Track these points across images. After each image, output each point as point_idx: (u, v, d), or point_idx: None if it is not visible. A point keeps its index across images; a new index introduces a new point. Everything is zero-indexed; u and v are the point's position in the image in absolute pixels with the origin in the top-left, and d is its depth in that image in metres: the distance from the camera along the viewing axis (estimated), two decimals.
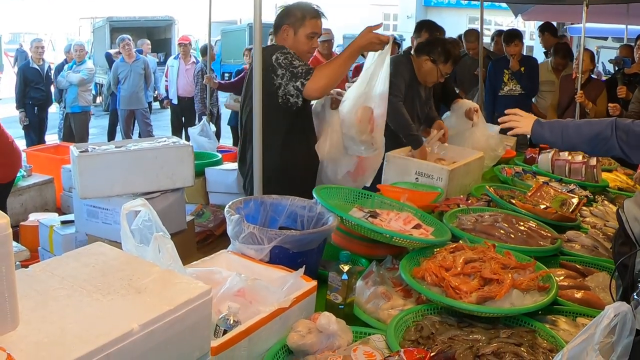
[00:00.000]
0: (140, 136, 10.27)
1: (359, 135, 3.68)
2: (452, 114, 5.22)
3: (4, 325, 1.33)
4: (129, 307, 1.49)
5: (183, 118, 10.65)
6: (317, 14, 3.67)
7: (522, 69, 6.92)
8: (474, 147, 4.68)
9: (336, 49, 9.17)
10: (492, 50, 8.33)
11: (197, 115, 10.39)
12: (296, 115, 3.56)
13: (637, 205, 2.01)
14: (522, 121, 2.78)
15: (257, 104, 3.18)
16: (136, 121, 10.72)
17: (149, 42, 13.03)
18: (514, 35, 7.10)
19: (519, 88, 6.91)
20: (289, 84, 3.37)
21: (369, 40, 3.48)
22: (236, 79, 8.78)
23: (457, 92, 6.08)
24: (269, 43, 9.39)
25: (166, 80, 11.15)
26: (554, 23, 12.64)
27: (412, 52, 4.78)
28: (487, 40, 10.67)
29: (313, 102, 3.87)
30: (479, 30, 7.78)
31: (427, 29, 5.69)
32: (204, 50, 10.07)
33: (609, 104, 6.06)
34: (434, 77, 4.60)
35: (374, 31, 3.51)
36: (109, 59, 12.13)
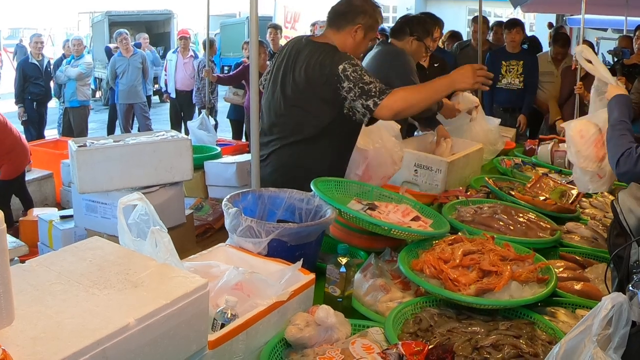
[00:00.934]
0: (139, 130, 10.25)
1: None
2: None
3: None
4: (126, 301, 1.48)
5: (182, 112, 10.65)
6: (382, 21, 3.57)
7: (522, 62, 6.90)
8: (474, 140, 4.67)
9: None
10: (491, 41, 8.30)
11: (196, 109, 10.40)
12: (355, 126, 3.39)
13: (631, 196, 2.01)
14: None
15: (254, 97, 3.16)
16: (135, 115, 10.72)
17: (146, 36, 12.99)
18: (515, 24, 7.10)
19: (518, 82, 6.90)
20: (357, 101, 3.12)
21: (472, 84, 3.22)
22: (235, 72, 8.77)
23: None
24: (267, 37, 9.39)
25: (165, 75, 11.13)
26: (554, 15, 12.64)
27: (389, 39, 4.70)
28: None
29: None
30: (474, 30, 7.75)
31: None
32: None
33: None
34: (422, 54, 4.57)
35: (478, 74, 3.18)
36: (109, 54, 12.13)
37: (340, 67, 3.13)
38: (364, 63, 4.51)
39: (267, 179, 3.29)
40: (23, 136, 6.67)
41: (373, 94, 3.10)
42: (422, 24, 4.50)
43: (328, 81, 3.15)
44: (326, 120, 3.23)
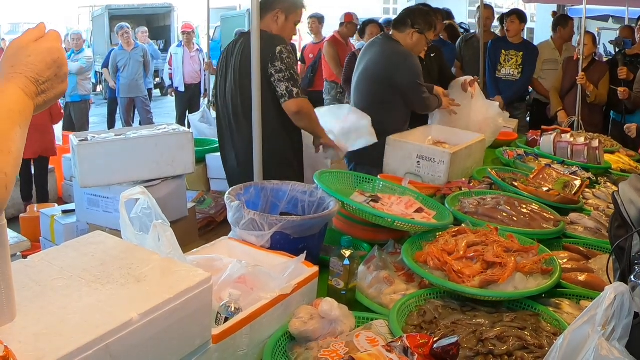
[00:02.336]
0: (140, 124, 10.24)
1: None
2: (451, 90, 5.18)
3: (1, 317, 1.32)
4: (129, 296, 1.48)
5: (190, 105, 10.59)
6: (304, 4, 3.77)
7: (521, 54, 6.88)
8: (474, 119, 4.69)
9: None
10: (498, 34, 8.26)
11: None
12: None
13: (632, 187, 1.99)
14: None
15: (256, 91, 3.15)
16: (136, 109, 10.70)
17: (145, 29, 12.92)
18: (511, 12, 7.11)
19: (517, 73, 6.88)
20: (283, 82, 3.44)
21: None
22: None
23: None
24: None
25: (170, 68, 11.10)
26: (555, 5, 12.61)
27: (391, 30, 4.68)
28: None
29: None
30: (479, 18, 7.72)
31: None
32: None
33: (618, 88, 6.04)
34: (422, 47, 4.57)
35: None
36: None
37: (279, 48, 3.45)
38: (364, 52, 4.63)
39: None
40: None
41: (299, 86, 3.52)
42: (424, 17, 4.48)
43: (262, 57, 3.38)
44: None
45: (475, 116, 4.79)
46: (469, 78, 5.09)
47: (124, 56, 10.32)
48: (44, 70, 1.20)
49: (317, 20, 9.20)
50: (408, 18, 4.49)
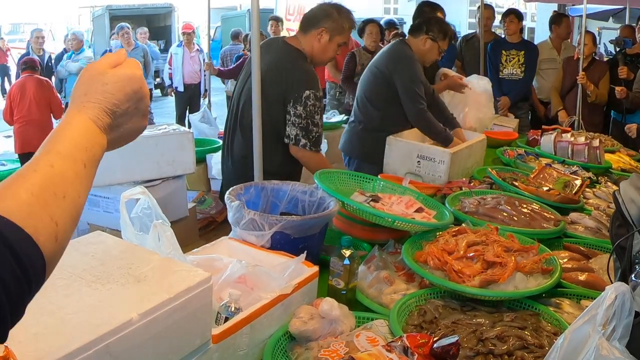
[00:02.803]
0: None
1: None
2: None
3: None
4: (129, 296, 1.48)
5: (189, 106, 10.58)
6: (353, 25, 3.63)
7: (522, 52, 6.89)
8: (469, 107, 4.74)
9: None
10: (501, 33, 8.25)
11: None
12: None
13: (633, 186, 1.99)
14: None
15: (257, 96, 3.15)
16: None
17: (145, 30, 12.86)
18: (509, 12, 7.12)
19: (519, 72, 6.88)
20: (296, 129, 3.36)
21: None
22: (235, 65, 8.75)
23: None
24: (268, 29, 9.38)
25: (170, 68, 11.10)
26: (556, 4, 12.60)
27: (407, 34, 4.73)
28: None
29: None
30: (479, 18, 7.72)
31: (429, 9, 5.68)
32: (235, 35, 10.02)
33: (616, 87, 6.04)
34: (435, 55, 4.57)
35: None
36: None
37: (307, 92, 3.33)
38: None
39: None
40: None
41: (312, 138, 3.39)
42: (439, 25, 4.51)
43: (287, 90, 3.32)
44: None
45: (469, 102, 4.86)
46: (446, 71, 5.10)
47: None
48: (123, 102, 1.04)
49: None
50: (424, 24, 4.53)
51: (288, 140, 3.40)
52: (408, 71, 4.27)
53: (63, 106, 7.35)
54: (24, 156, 6.63)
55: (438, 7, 5.80)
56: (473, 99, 5.06)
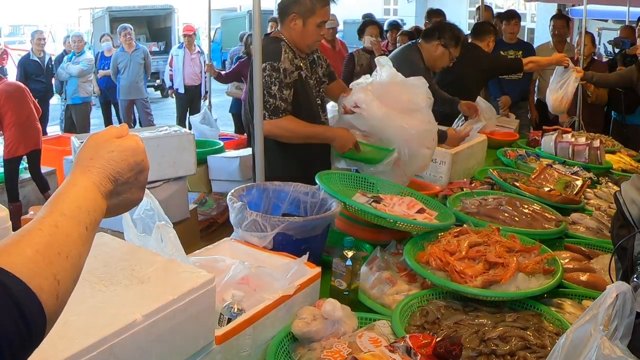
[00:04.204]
0: (140, 126, 10.21)
1: None
2: None
3: None
4: (132, 297, 1.48)
5: (189, 107, 10.57)
6: (326, 1, 3.43)
7: (520, 52, 6.90)
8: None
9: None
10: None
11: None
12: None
13: (634, 187, 2.00)
14: None
15: (258, 94, 3.15)
16: (136, 111, 10.67)
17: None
18: (514, 15, 7.13)
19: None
20: (252, 99, 3.23)
21: (346, 145, 3.31)
22: (232, 68, 8.74)
23: None
24: (268, 30, 9.39)
25: (170, 70, 11.09)
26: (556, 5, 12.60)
27: (419, 39, 4.74)
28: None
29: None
30: (478, 19, 7.73)
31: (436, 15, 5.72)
32: (242, 37, 10.02)
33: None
34: (445, 61, 4.57)
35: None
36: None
37: (264, 64, 3.22)
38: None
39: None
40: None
41: (268, 106, 3.23)
42: (451, 32, 4.52)
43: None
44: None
45: None
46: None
47: (124, 58, 10.28)
48: (125, 171, 1.08)
49: None
50: (436, 30, 4.55)
51: (248, 113, 3.38)
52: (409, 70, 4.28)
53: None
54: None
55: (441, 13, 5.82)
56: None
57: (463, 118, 4.81)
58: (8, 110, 6.48)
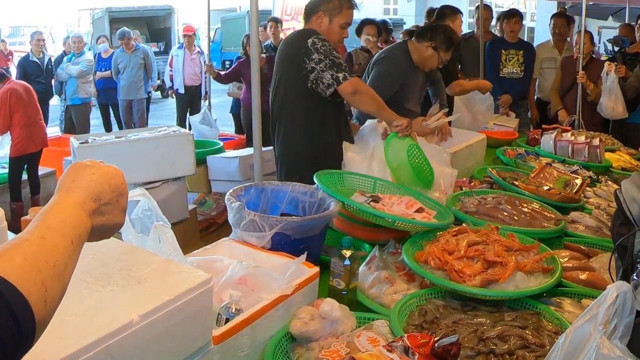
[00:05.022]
0: (134, 127, 10.17)
1: None
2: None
3: None
4: (129, 297, 1.48)
5: (189, 108, 10.55)
6: (352, 4, 3.62)
7: (521, 52, 6.90)
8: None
9: None
10: (496, 33, 8.25)
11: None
12: (318, 102, 3.53)
13: (634, 185, 1.99)
14: None
15: (256, 90, 3.15)
16: (132, 112, 10.61)
17: (138, 33, 12.58)
18: (514, 14, 7.12)
19: (519, 71, 6.89)
20: (325, 71, 3.35)
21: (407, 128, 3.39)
22: (230, 69, 8.72)
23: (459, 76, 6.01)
24: (269, 30, 9.37)
25: (170, 70, 11.07)
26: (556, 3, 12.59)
27: (412, 37, 4.71)
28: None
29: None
30: (478, 18, 7.70)
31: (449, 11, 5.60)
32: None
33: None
34: (434, 63, 4.54)
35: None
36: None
37: (310, 40, 3.36)
38: None
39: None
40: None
41: (344, 68, 3.38)
42: (442, 34, 4.47)
43: (295, 54, 3.37)
44: (290, 100, 3.46)
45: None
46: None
47: (124, 58, 10.27)
48: (107, 192, 1.13)
49: None
50: (429, 31, 4.50)
51: (330, 88, 3.40)
52: (379, 72, 4.30)
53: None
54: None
55: (457, 12, 5.71)
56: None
57: (439, 107, 4.76)
58: (18, 109, 6.52)
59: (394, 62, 4.37)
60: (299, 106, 3.47)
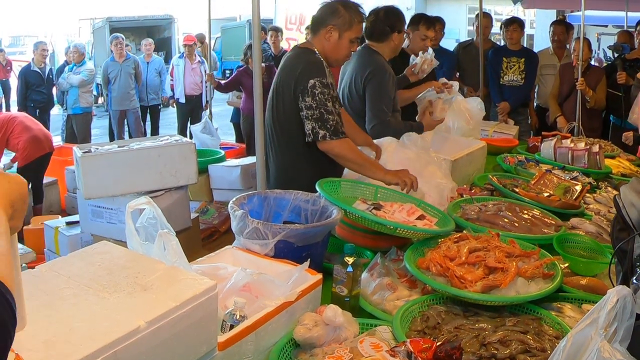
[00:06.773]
0: (130, 137, 10.13)
1: None
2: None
3: None
4: (135, 304, 1.49)
5: (190, 117, 10.54)
6: (363, 18, 3.46)
7: (523, 60, 6.92)
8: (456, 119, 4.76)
9: None
10: (500, 42, 8.25)
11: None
12: None
13: (633, 190, 2.01)
14: None
15: (258, 100, 3.17)
16: (127, 122, 10.58)
17: (150, 41, 12.53)
18: (513, 21, 7.14)
19: (520, 79, 6.91)
20: (310, 121, 3.18)
21: (402, 181, 3.19)
22: (230, 78, 8.74)
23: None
24: (269, 39, 9.39)
25: (171, 80, 11.07)
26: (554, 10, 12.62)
27: (367, 42, 4.41)
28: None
29: None
30: (477, 26, 7.72)
31: (424, 22, 5.42)
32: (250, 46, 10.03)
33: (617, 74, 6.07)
34: (401, 43, 4.45)
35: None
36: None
37: (312, 82, 3.18)
38: (345, 66, 4.35)
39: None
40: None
41: (329, 127, 3.18)
42: (399, 17, 4.36)
43: (294, 83, 3.20)
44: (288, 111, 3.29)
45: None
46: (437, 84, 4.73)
47: (114, 68, 10.20)
48: (18, 200, 1.19)
49: None
50: (385, 25, 4.32)
51: (308, 138, 3.22)
52: (372, 84, 4.17)
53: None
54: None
55: (437, 19, 5.63)
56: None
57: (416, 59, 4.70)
58: (19, 123, 6.58)
59: (380, 68, 4.21)
60: (297, 119, 3.28)
